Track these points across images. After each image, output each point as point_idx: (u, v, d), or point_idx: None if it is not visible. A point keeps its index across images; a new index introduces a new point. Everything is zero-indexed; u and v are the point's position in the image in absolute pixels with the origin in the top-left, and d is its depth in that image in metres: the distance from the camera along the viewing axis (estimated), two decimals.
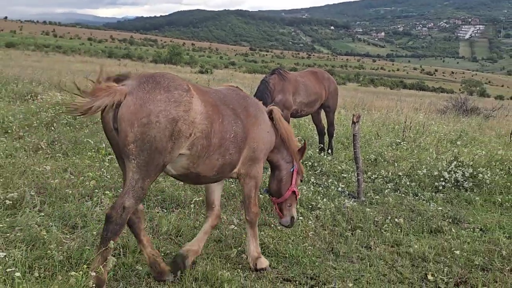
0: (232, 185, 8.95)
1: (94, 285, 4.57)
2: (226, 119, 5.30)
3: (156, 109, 4.56)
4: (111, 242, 4.63)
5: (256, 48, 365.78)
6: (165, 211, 7.53)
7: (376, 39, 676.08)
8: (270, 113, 6.11)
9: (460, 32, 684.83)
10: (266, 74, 12.82)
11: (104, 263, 4.64)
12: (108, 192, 7.51)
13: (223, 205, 8.09)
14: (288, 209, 6.45)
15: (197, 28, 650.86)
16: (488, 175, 10.46)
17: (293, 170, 6.40)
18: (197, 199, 7.88)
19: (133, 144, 4.53)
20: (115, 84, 4.63)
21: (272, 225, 7.41)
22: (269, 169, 6.54)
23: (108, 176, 8.58)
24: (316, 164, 10.91)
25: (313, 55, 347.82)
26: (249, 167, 5.76)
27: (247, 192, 5.91)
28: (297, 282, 5.79)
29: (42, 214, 6.66)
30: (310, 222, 7.55)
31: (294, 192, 6.42)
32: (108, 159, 9.56)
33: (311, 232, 7.21)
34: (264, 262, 5.99)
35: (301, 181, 7.03)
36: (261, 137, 5.78)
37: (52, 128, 11.78)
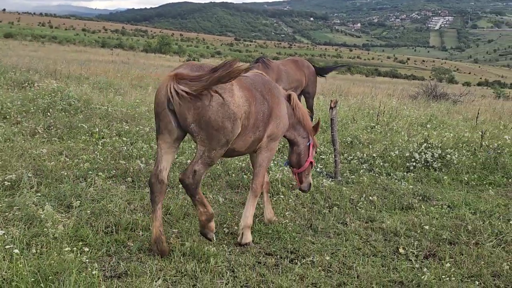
0: (218, 166, 8.92)
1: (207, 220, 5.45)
2: (258, 101, 5.73)
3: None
4: (196, 196, 5.33)
5: (241, 38, 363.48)
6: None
7: (353, 30, 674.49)
8: (288, 97, 6.54)
9: (431, 23, 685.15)
10: (250, 62, 12.78)
11: (204, 206, 5.40)
12: (101, 174, 7.48)
13: (209, 185, 8.08)
14: (306, 177, 6.94)
15: (185, 19, 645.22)
16: (456, 156, 10.53)
17: (309, 144, 6.84)
18: None
19: (193, 124, 5.12)
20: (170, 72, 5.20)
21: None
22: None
23: (101, 159, 8.53)
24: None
25: (294, 45, 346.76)
26: (269, 141, 6.13)
27: (260, 161, 6.18)
28: (278, 256, 5.81)
29: (39, 194, 6.62)
30: (290, 200, 7.57)
31: (311, 162, 6.92)
32: (101, 143, 9.51)
33: (288, 212, 7.21)
34: (249, 237, 6.03)
35: (316, 152, 7.85)
36: (282, 115, 6.20)
37: (48, 113, 11.68)
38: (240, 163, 9.19)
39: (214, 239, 5.80)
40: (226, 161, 9.25)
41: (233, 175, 8.59)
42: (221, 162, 9.27)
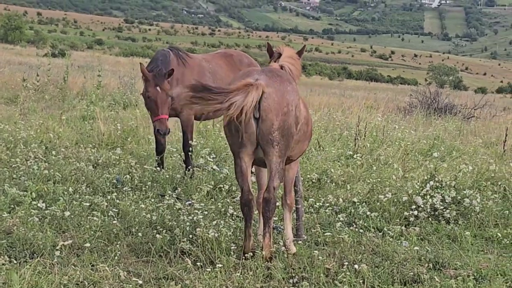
0: (114, 221, 8.81)
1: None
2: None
3: (290, 98, 7.65)
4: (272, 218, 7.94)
5: (135, 20, 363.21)
6: (15, 262, 7.30)
7: (308, 8, 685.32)
8: None
9: None
10: (158, 51, 12.66)
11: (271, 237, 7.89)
12: None
13: (102, 250, 7.95)
14: None
15: None
16: (478, 200, 10.65)
17: None
18: (65, 243, 7.66)
19: (277, 132, 7.51)
20: (251, 80, 7.50)
21: None
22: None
23: None
24: (234, 188, 10.85)
25: (219, 31, 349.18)
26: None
27: (292, 174, 8.76)
28: None
29: None
30: (233, 273, 7.49)
31: None
32: None
33: None
34: (293, 248, 8.45)
35: None
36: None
37: None
38: (149, 215, 9.09)
39: None
40: (127, 213, 9.18)
41: (139, 234, 8.49)
42: (119, 215, 9.18)
